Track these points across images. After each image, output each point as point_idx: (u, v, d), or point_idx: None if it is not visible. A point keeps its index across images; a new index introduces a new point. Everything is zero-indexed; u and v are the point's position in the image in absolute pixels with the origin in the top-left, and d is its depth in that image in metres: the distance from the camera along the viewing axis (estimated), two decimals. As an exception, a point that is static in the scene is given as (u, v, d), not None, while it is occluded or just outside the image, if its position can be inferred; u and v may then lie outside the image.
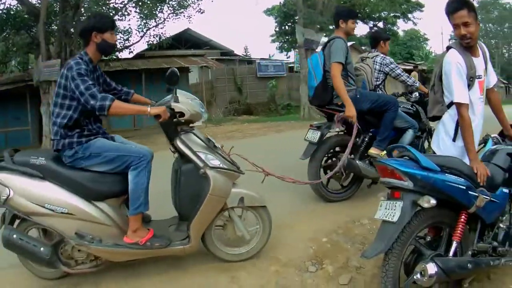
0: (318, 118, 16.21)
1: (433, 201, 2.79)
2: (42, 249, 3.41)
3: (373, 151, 5.12)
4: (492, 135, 3.79)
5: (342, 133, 5.41)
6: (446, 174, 2.93)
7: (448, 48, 3.45)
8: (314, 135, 5.17)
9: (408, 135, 5.41)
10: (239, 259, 4.02)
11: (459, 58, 3.28)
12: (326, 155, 5.43)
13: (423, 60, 40.88)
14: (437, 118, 3.63)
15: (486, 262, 3.18)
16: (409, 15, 43.95)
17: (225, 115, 19.16)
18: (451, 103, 3.41)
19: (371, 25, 42.82)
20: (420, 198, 2.82)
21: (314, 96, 5.23)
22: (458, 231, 3.01)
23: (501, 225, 3.37)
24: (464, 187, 2.93)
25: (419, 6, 43.68)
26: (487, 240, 3.29)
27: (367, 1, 22.70)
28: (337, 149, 5.50)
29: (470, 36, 3.22)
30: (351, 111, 4.76)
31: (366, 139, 5.34)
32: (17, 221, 3.61)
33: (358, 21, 43.14)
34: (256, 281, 3.71)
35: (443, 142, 3.51)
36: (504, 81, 44.30)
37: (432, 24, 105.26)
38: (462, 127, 3.28)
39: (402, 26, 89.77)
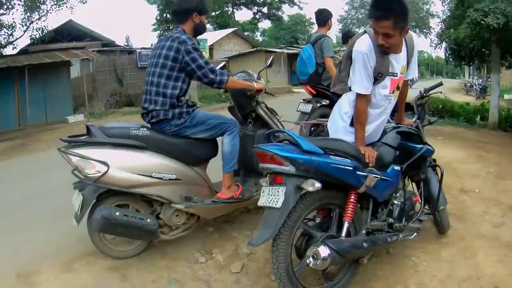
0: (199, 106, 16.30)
1: (317, 184, 2.71)
2: (148, 220, 3.45)
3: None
4: None
5: (325, 105, 6.23)
6: (331, 156, 2.84)
7: (365, 32, 3.13)
8: (306, 107, 6.20)
9: None
10: None
11: (369, 50, 2.99)
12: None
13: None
14: (338, 95, 3.45)
15: (383, 239, 3.21)
16: (295, 0, 45.00)
17: (107, 108, 18.36)
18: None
19: (255, 11, 43.48)
20: (303, 182, 2.72)
21: (309, 79, 6.27)
22: (349, 211, 2.98)
23: (395, 201, 3.37)
24: (351, 168, 2.86)
25: None
26: (382, 217, 3.28)
27: None
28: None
29: (388, 46, 2.95)
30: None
31: None
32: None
33: (242, 7, 43.72)
34: (148, 277, 3.55)
35: (335, 123, 3.35)
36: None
37: (313, 8, 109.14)
38: (356, 114, 3.16)
39: (287, 11, 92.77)
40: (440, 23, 15.78)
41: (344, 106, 3.28)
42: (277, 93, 20.36)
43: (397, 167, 3.30)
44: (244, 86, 4.08)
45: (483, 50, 13.00)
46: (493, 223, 4.60)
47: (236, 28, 35.60)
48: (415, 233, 3.56)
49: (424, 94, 4.47)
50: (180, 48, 3.57)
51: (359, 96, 3.11)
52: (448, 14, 13.98)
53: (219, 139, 3.99)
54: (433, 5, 50.50)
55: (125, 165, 3.39)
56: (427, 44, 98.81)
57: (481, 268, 3.65)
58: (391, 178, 3.21)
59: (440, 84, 4.75)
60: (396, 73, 3.16)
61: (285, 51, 31.30)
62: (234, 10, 44.46)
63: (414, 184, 3.96)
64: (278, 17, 45.78)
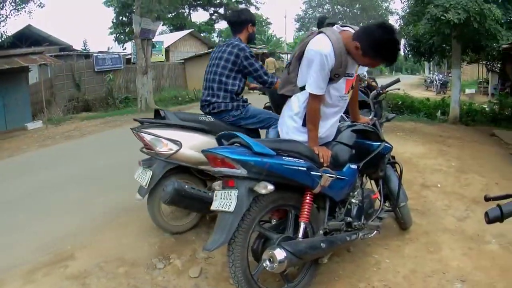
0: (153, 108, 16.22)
1: (270, 187, 2.65)
2: (210, 194, 3.60)
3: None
4: None
5: None
6: (283, 158, 2.78)
7: (320, 32, 3.04)
8: None
9: None
10: None
11: (329, 52, 2.90)
12: None
13: (265, 44, 41.58)
14: (286, 97, 3.35)
15: (341, 238, 3.18)
16: (252, 0, 44.96)
17: (65, 114, 17.94)
18: (304, 87, 3.11)
19: (212, 12, 43.30)
20: (256, 185, 2.66)
21: None
22: (305, 212, 2.93)
23: (353, 200, 3.33)
24: (305, 169, 2.81)
25: None
26: (340, 216, 3.24)
27: None
28: None
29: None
30: None
31: None
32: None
33: (199, 8, 43.39)
34: (107, 284, 3.51)
35: (286, 124, 3.27)
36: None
37: (276, 8, 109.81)
38: (309, 115, 3.09)
39: None
40: (398, 20, 15.93)
41: (294, 107, 3.20)
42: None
43: (353, 166, 3.27)
44: None
45: (444, 45, 13.09)
46: (456, 217, 4.64)
47: (193, 30, 35.20)
48: (375, 231, 3.54)
49: (381, 91, 4.46)
50: (239, 54, 4.15)
51: (313, 96, 3.03)
52: (408, 11, 14.06)
53: (262, 132, 4.49)
54: (392, 2, 51.36)
55: (194, 145, 3.89)
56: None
57: (446, 262, 3.66)
58: (347, 177, 3.17)
59: (397, 80, 4.75)
60: (352, 73, 3.14)
61: None
62: (191, 11, 44.08)
63: (373, 181, 3.93)
64: None
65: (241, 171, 2.63)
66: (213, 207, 2.79)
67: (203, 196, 3.75)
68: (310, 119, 3.09)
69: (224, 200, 2.71)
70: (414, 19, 12.57)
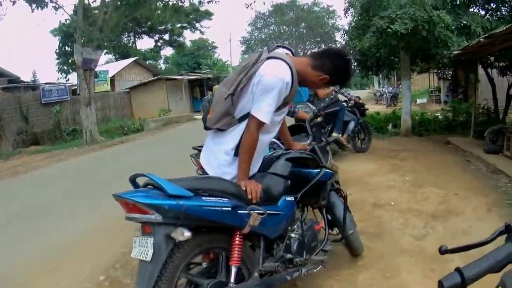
0: (100, 141, 16.29)
1: (187, 233, 2.37)
2: None
3: (334, 134, 7.52)
4: None
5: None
6: (203, 198, 2.48)
7: (271, 57, 2.80)
8: None
9: (351, 125, 8.42)
10: None
11: (290, 80, 2.75)
12: None
13: (210, 68, 40.89)
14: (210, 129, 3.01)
15: (281, 278, 2.91)
16: (197, 25, 45.36)
17: (14, 148, 17.61)
18: (242, 118, 2.82)
19: (157, 38, 43.27)
20: (173, 231, 2.38)
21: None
22: (235, 255, 2.65)
23: (292, 235, 3.06)
24: (229, 208, 2.51)
25: (208, 15, 44.95)
26: (279, 253, 2.96)
27: (150, 14, 21.74)
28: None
29: None
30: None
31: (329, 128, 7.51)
32: None
33: (144, 35, 43.05)
34: None
35: (218, 159, 2.91)
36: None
37: (221, 32, 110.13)
38: (247, 145, 2.75)
39: (190, 36, 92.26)
40: (343, 35, 15.95)
41: (231, 141, 2.86)
42: (178, 122, 20.14)
43: (289, 198, 2.99)
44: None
45: (392, 57, 13.16)
46: (414, 235, 4.42)
47: (137, 58, 35.45)
48: (320, 266, 3.25)
49: (318, 113, 4.26)
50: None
51: (258, 125, 2.73)
52: (353, 25, 14.10)
53: None
54: (338, 19, 52.16)
55: None
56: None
57: (406, 287, 3.41)
58: (282, 211, 2.88)
59: (337, 100, 4.67)
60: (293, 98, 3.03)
61: (186, 77, 31.07)
62: (136, 38, 44.02)
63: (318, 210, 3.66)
64: (180, 43, 45.73)
65: (156, 217, 2.32)
66: (132, 255, 2.48)
67: None
68: (247, 150, 2.76)
69: (142, 248, 2.41)
70: (359, 33, 12.61)
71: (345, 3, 13.94)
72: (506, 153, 8.07)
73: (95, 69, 18.02)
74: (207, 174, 2.94)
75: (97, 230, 5.50)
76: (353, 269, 3.78)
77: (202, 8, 42.30)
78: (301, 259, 3.05)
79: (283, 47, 3.00)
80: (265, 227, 2.74)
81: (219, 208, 2.49)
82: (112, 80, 29.61)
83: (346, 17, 15.09)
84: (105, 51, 20.82)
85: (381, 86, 43.93)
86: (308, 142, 3.68)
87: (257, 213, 2.61)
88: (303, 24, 53.63)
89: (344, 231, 3.57)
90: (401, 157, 8.52)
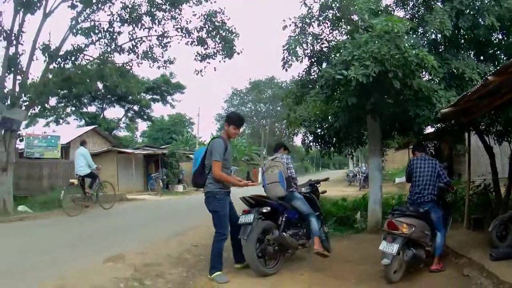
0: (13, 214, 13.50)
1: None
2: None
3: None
4: None
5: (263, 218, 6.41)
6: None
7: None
8: (248, 218, 6.02)
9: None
10: None
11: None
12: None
13: (183, 144, 39.90)
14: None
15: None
16: (168, 97, 44.15)
17: None
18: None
19: (126, 108, 42.15)
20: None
21: (193, 179, 6.36)
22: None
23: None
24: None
25: (180, 88, 43.84)
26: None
27: (116, 83, 19.06)
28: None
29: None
30: (240, 183, 6.19)
31: (284, 219, 6.55)
32: None
33: (116, 104, 40.87)
34: None
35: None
36: None
37: (192, 106, 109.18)
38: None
39: (161, 109, 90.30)
40: (284, 99, 11.74)
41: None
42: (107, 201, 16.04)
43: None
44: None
45: (357, 128, 9.83)
46: None
47: (96, 126, 33.51)
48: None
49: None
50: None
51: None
52: (299, 83, 9.73)
53: None
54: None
55: None
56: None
57: None
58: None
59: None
60: None
61: (142, 152, 28.68)
62: (106, 106, 42.43)
63: None
64: (149, 116, 44.31)
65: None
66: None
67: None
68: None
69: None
70: (304, 91, 8.80)
71: (283, 52, 8.44)
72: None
73: (19, 131, 15.40)
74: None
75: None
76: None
77: (174, 80, 42.68)
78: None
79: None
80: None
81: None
82: (68, 147, 26.80)
83: (286, 70, 9.61)
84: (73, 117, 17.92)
85: (354, 165, 41.41)
86: None
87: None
88: (281, 103, 52.08)
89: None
90: (355, 276, 5.28)
